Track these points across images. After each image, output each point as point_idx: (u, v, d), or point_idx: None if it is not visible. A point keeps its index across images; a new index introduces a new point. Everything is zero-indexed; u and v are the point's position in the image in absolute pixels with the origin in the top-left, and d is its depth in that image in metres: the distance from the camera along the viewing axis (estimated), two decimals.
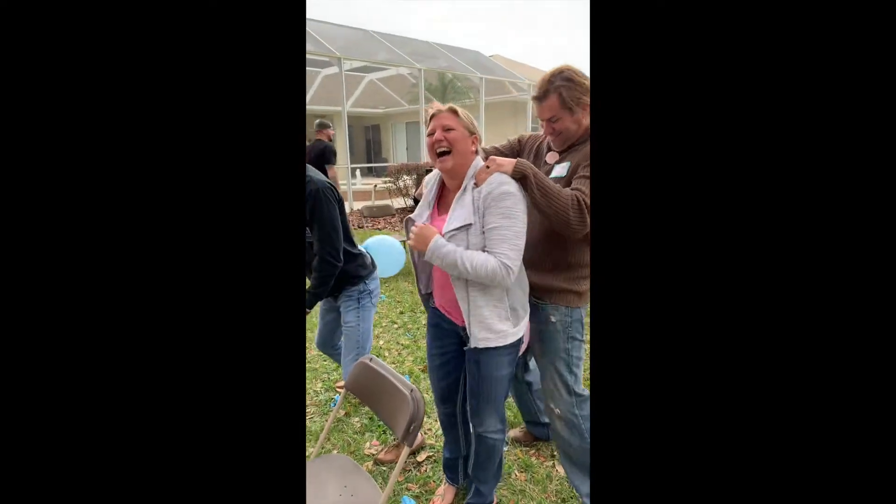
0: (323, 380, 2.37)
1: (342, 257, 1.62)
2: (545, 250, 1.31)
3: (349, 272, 1.69)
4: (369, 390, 1.29)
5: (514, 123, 12.88)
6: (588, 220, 1.17)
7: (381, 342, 2.79)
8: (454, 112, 1.19)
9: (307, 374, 2.41)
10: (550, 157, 1.36)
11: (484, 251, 1.12)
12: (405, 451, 1.09)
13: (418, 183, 7.75)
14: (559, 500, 1.55)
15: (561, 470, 1.68)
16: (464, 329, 1.25)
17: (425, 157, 11.73)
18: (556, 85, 1.24)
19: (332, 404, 2.14)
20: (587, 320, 1.34)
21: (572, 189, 1.19)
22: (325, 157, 4.33)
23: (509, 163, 1.15)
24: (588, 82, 1.23)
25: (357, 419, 2.02)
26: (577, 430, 1.39)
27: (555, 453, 1.77)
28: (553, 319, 1.33)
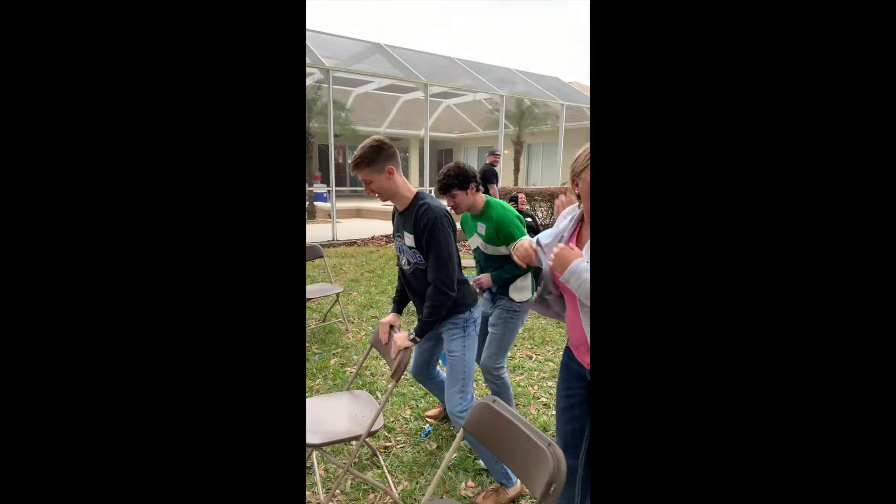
0: (412, 407, 2.31)
1: (455, 287, 1.57)
2: None
3: (456, 299, 1.64)
4: (493, 435, 1.19)
5: None
6: None
7: None
8: None
9: (395, 399, 2.36)
10: None
11: None
12: None
13: None
14: None
15: None
16: (590, 372, 1.16)
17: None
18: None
19: (422, 434, 2.06)
20: None
21: None
22: (486, 177, 5.28)
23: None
24: None
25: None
26: None
27: None
28: None
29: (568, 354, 1.28)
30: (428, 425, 2.13)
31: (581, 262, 1.10)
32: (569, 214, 1.26)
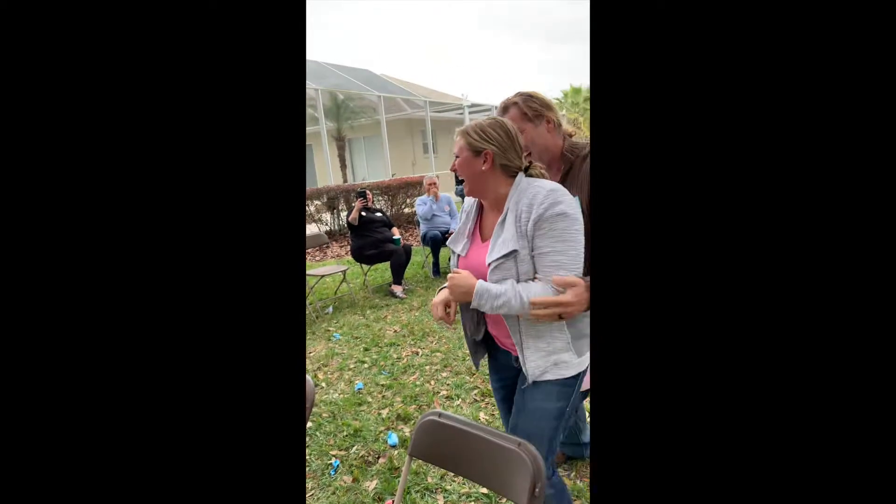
0: (309, 446, 2.01)
1: None
2: None
3: None
4: (450, 453, 1.06)
5: (411, 141, 12.95)
6: None
7: (362, 387, 2.48)
8: (462, 134, 1.08)
9: None
10: None
11: (535, 279, 1.00)
12: None
13: (330, 207, 7.30)
14: None
15: None
16: (517, 359, 1.10)
17: (322, 181, 11.19)
18: (514, 100, 1.21)
19: (331, 472, 1.81)
20: None
21: None
22: None
23: (581, 303, 0.96)
24: (546, 99, 1.22)
25: (369, 483, 1.72)
26: None
27: None
28: None
29: (492, 345, 1.21)
30: (335, 459, 1.88)
31: (482, 283, 1.01)
32: (467, 208, 1.19)
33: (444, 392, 2.36)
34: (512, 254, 1.00)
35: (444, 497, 1.63)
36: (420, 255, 5.07)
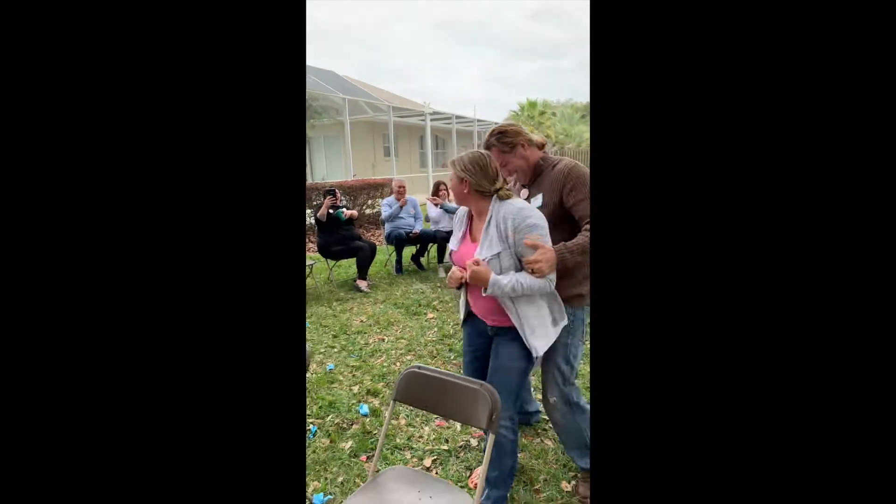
0: None
1: None
2: None
3: None
4: (427, 396, 1.36)
5: (372, 143, 13.11)
6: None
7: (333, 367, 2.71)
8: (451, 165, 1.46)
9: None
10: (522, 194, 1.65)
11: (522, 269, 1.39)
12: (491, 437, 1.21)
13: None
14: (560, 466, 1.80)
15: (550, 443, 1.93)
16: (491, 328, 1.49)
17: None
18: (492, 141, 1.60)
19: (309, 436, 2.04)
20: (588, 320, 1.64)
21: (584, 226, 1.49)
22: None
23: (549, 263, 1.34)
24: (515, 127, 1.61)
25: (345, 444, 1.97)
26: (570, 414, 1.62)
27: (539, 431, 2.02)
28: None
29: (474, 319, 1.56)
30: (312, 426, 2.11)
31: (493, 275, 1.36)
32: (460, 214, 1.57)
33: None
34: (497, 254, 1.38)
35: (411, 453, 1.91)
36: (384, 254, 5.31)
